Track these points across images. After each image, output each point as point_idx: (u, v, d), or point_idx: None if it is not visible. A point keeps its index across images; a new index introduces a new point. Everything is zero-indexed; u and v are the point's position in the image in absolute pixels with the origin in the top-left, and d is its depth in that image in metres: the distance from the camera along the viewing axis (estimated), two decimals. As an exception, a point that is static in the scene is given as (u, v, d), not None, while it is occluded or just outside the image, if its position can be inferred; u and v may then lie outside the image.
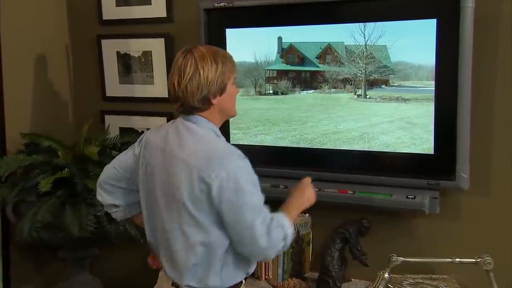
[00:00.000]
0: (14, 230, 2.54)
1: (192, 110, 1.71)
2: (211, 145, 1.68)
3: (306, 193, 1.86)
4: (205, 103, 1.70)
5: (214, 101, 1.70)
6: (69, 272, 2.80)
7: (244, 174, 1.63)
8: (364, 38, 2.24)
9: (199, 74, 1.66)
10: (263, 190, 2.39)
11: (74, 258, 2.76)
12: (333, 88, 2.35)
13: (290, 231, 1.69)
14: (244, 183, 1.62)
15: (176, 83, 1.68)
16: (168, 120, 2.69)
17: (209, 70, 1.67)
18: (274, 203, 2.42)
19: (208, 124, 1.73)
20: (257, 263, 2.43)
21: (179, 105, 1.72)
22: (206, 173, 1.61)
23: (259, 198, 1.66)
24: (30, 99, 2.86)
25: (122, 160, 1.88)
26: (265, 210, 1.66)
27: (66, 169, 2.51)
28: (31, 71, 2.86)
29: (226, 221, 1.63)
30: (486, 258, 1.98)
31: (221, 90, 1.70)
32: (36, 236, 2.44)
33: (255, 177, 1.67)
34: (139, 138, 1.85)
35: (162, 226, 1.74)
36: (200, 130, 1.71)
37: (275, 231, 1.64)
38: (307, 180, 1.89)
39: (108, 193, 1.90)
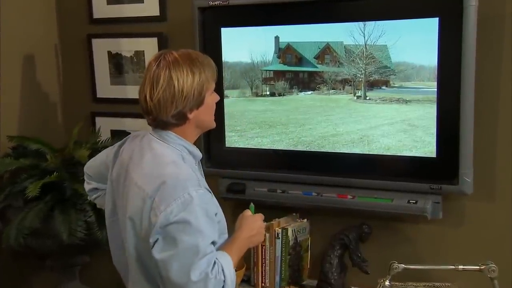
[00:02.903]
0: (0, 237, 2.52)
1: (165, 125, 1.60)
2: (168, 170, 1.54)
3: (256, 230, 1.73)
4: (180, 119, 1.58)
5: (190, 116, 1.58)
6: (58, 280, 2.78)
7: (197, 206, 1.50)
8: (364, 37, 2.23)
9: (174, 86, 1.53)
10: (260, 195, 2.43)
11: (63, 266, 2.74)
12: (332, 89, 2.34)
13: (229, 280, 1.53)
14: (195, 218, 1.49)
15: (148, 96, 1.55)
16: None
17: (185, 82, 1.54)
18: (271, 208, 2.43)
19: (180, 141, 1.62)
20: (254, 269, 2.42)
21: (151, 119, 1.60)
22: (157, 203, 1.50)
23: (208, 235, 1.51)
24: (17, 101, 2.84)
25: (102, 159, 1.84)
26: (209, 253, 1.51)
27: (55, 173, 2.50)
28: (19, 72, 2.85)
29: (158, 257, 1.50)
30: (490, 265, 1.97)
31: (199, 103, 1.58)
32: (23, 243, 2.43)
33: (210, 209, 1.55)
34: (123, 140, 1.77)
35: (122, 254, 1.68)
36: (167, 152, 1.59)
37: (213, 281, 1.49)
38: (260, 216, 1.78)
39: (90, 178, 1.89)
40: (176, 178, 1.53)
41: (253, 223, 1.74)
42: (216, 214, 1.59)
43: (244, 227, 1.71)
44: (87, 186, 1.92)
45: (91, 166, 1.89)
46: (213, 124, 1.70)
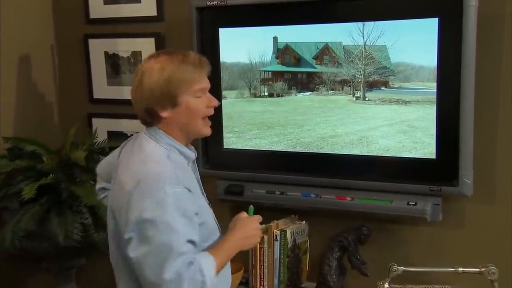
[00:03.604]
0: (-4, 239, 2.51)
1: (145, 122, 1.63)
2: (148, 168, 1.55)
3: (250, 233, 1.68)
4: (152, 116, 1.59)
5: (163, 115, 1.58)
6: (54, 283, 2.77)
7: (172, 204, 1.49)
8: (363, 38, 2.23)
9: (143, 82, 1.57)
10: (259, 196, 2.43)
11: (59, 268, 2.73)
12: (331, 90, 2.34)
13: (209, 281, 1.49)
14: (169, 216, 1.48)
15: (131, 92, 1.63)
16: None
17: (152, 78, 1.56)
18: (269, 210, 2.43)
19: (168, 140, 1.61)
20: (252, 271, 2.42)
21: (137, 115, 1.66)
22: (134, 200, 1.51)
23: (183, 234, 1.49)
24: (13, 102, 2.84)
25: (110, 159, 1.87)
26: (185, 252, 1.48)
27: (51, 175, 2.49)
28: (15, 72, 2.84)
29: (132, 255, 1.51)
30: (490, 267, 1.97)
31: (171, 103, 1.57)
32: (19, 245, 2.42)
33: (189, 208, 1.53)
34: (126, 141, 1.79)
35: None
36: (154, 150, 1.60)
37: (187, 281, 1.46)
38: (257, 218, 1.73)
39: (100, 178, 1.92)
40: (154, 175, 1.53)
41: (247, 225, 1.70)
42: (197, 214, 1.56)
43: (237, 228, 1.68)
44: (97, 185, 1.95)
45: (101, 165, 1.94)
46: (202, 131, 1.65)
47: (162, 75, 1.56)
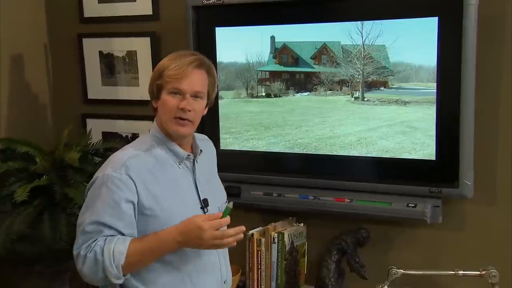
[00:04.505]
0: (-12, 242, 2.49)
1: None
2: (115, 153, 1.69)
3: (194, 242, 1.57)
4: (151, 105, 1.73)
5: (153, 105, 1.71)
6: (47, 286, 2.76)
7: (103, 185, 1.58)
8: (362, 37, 2.23)
9: None
10: (256, 198, 2.42)
11: (53, 272, 2.72)
12: (329, 90, 2.34)
13: (108, 261, 1.55)
14: (96, 195, 1.60)
15: None
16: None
17: None
18: (267, 212, 2.42)
19: (155, 131, 1.71)
20: (249, 275, 2.40)
21: None
22: None
23: (97, 215, 1.57)
24: (6, 102, 2.82)
25: None
26: (88, 232, 1.58)
27: (44, 176, 2.48)
28: (7, 72, 2.82)
29: None
30: (491, 270, 1.97)
31: (156, 94, 1.68)
32: (12, 248, 2.41)
33: (122, 194, 1.57)
34: None
35: None
36: (140, 137, 1.80)
37: (81, 259, 1.59)
38: (216, 225, 1.56)
39: None
40: (111, 159, 1.66)
41: (194, 232, 1.56)
42: (133, 204, 1.59)
43: (179, 229, 1.57)
44: None
45: None
46: (171, 128, 1.66)
47: (156, 66, 1.70)
